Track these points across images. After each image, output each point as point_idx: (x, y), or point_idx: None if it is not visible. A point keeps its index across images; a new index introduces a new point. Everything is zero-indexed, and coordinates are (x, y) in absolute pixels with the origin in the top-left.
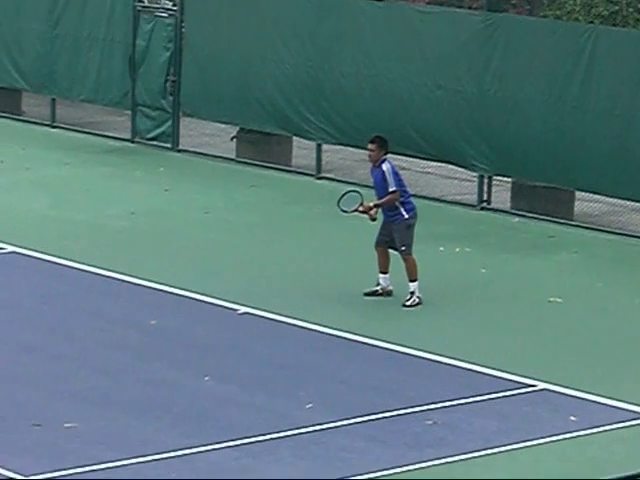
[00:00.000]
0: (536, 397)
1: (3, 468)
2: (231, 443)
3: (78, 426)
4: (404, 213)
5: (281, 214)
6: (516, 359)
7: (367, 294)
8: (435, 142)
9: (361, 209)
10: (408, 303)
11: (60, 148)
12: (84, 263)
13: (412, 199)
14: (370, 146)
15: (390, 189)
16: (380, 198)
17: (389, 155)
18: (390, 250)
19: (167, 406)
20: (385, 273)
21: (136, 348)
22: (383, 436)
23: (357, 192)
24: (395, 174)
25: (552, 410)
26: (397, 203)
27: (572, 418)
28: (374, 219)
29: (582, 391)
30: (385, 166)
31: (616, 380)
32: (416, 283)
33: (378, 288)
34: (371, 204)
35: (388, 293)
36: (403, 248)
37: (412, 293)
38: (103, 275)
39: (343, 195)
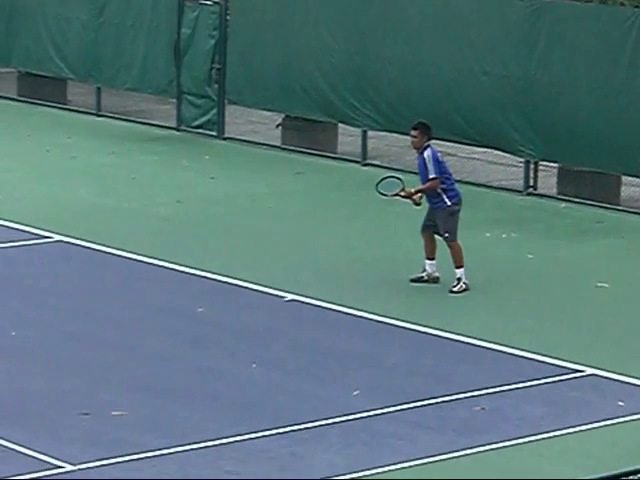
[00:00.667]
0: (584, 382)
1: (52, 457)
2: (279, 430)
3: (126, 414)
4: (446, 200)
5: (327, 201)
6: (564, 345)
7: (413, 280)
8: (481, 128)
9: (403, 194)
10: (455, 289)
11: (106, 137)
12: (130, 251)
13: (457, 186)
14: (413, 132)
15: (430, 176)
16: (423, 184)
17: (433, 141)
18: (436, 236)
19: (215, 394)
20: (431, 259)
21: (183, 336)
22: (431, 422)
23: (398, 178)
24: (437, 161)
25: (600, 395)
26: (439, 190)
27: (620, 403)
28: (418, 204)
29: (630, 376)
30: (427, 153)
31: None
32: (462, 269)
33: (424, 274)
34: (412, 190)
35: (434, 280)
36: (446, 235)
37: (459, 279)
38: (149, 263)
39: (382, 180)
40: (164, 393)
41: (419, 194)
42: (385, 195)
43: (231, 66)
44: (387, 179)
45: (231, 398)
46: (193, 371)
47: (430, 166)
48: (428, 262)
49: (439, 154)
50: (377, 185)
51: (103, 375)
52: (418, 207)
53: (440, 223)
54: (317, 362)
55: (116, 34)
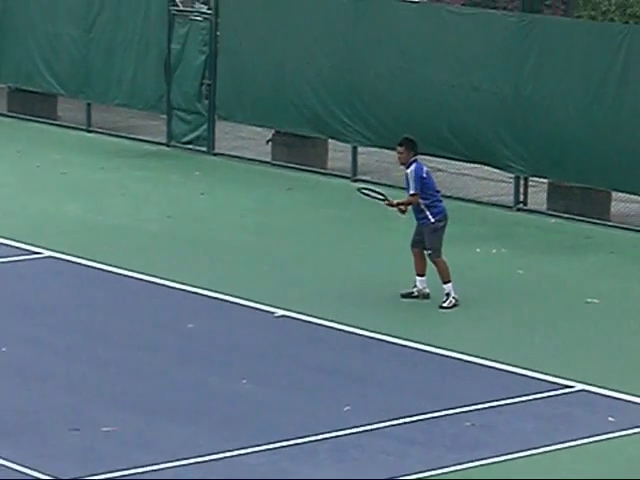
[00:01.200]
0: (574, 398)
1: (41, 472)
2: (269, 446)
3: (116, 430)
4: (430, 217)
5: (317, 217)
6: (554, 360)
7: (404, 295)
8: (471, 143)
9: (386, 202)
10: (445, 305)
11: (96, 152)
12: (120, 267)
13: (443, 203)
14: (399, 148)
15: (410, 192)
16: (435, 195)
17: (423, 157)
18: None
19: (205, 410)
20: (422, 275)
21: (173, 352)
22: (421, 438)
23: (382, 194)
24: (419, 177)
25: (590, 411)
26: (422, 206)
27: (610, 419)
28: (403, 211)
29: (620, 392)
30: (410, 168)
31: None
32: (450, 284)
33: (414, 290)
34: (394, 202)
35: (425, 296)
36: (429, 252)
37: (448, 295)
38: (139, 279)
39: (371, 192)
40: (154, 409)
41: (401, 206)
42: (366, 194)
43: (221, 82)
44: (374, 193)
45: (222, 414)
46: (183, 387)
47: (411, 182)
48: (419, 278)
49: (426, 169)
50: (361, 189)
51: (93, 391)
52: (403, 215)
53: (425, 239)
54: (307, 378)
55: (106, 50)
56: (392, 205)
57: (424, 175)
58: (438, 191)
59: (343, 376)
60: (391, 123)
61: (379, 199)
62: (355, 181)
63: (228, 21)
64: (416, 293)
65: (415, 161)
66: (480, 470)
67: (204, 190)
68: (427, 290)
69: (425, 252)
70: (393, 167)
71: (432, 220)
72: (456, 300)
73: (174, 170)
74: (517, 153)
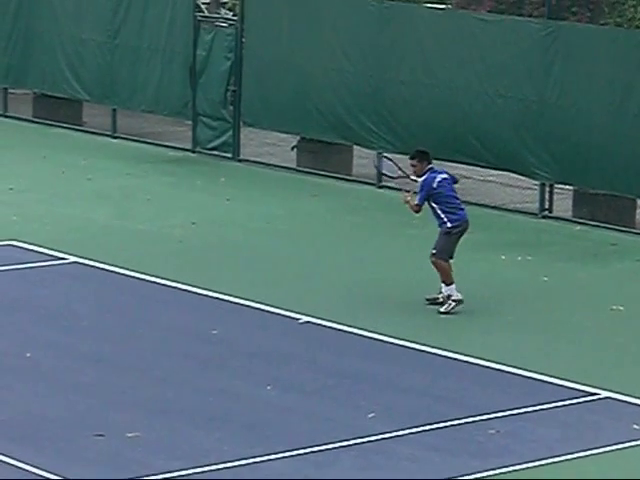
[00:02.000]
0: (599, 406)
1: (66, 478)
2: (293, 452)
3: (140, 436)
4: (447, 222)
5: (342, 223)
6: (578, 367)
7: (428, 300)
8: (496, 150)
9: (404, 192)
10: (443, 309)
11: (121, 158)
12: (146, 273)
13: (464, 211)
14: (411, 162)
15: (415, 202)
16: (451, 202)
17: (449, 164)
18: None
19: (230, 415)
20: (450, 284)
21: (198, 357)
22: (446, 445)
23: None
24: (429, 188)
25: (615, 418)
26: (439, 212)
27: (635, 426)
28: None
29: None
30: (422, 179)
31: None
32: (452, 286)
33: (440, 296)
34: (408, 197)
35: (457, 302)
36: (434, 251)
37: (448, 297)
38: (165, 285)
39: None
40: (179, 415)
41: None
42: (384, 173)
43: (246, 88)
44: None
45: (246, 420)
46: (208, 393)
47: (418, 193)
48: (446, 288)
49: (441, 178)
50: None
51: (118, 396)
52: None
53: (436, 239)
54: (332, 384)
55: (132, 56)
56: (406, 199)
57: (434, 185)
58: (457, 198)
59: (367, 382)
60: (416, 129)
61: (393, 177)
62: (380, 187)
63: (253, 27)
64: (440, 299)
65: (430, 170)
66: (505, 478)
67: (229, 196)
68: (460, 295)
69: (431, 251)
70: None
71: (449, 225)
72: (457, 302)
73: (199, 176)
74: (542, 160)
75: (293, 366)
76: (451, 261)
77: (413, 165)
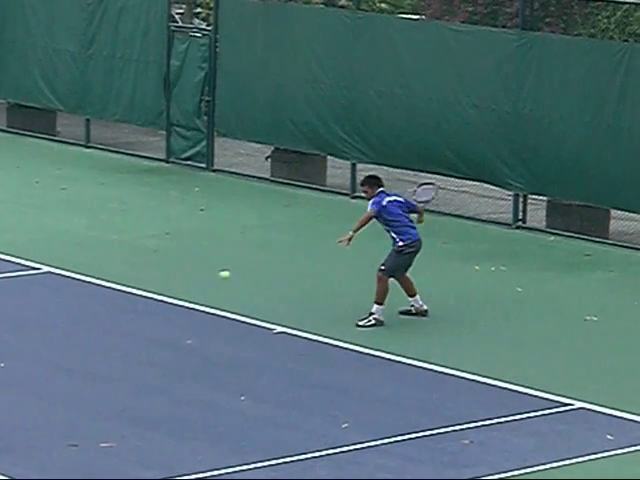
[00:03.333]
0: (572, 416)
1: None
2: (267, 463)
3: (114, 446)
4: (399, 241)
5: (316, 233)
6: (552, 378)
7: (402, 312)
8: (470, 161)
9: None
10: (361, 323)
11: (95, 168)
12: (119, 283)
13: (416, 230)
14: (362, 188)
15: (369, 207)
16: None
17: (423, 174)
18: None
19: (204, 426)
20: (413, 295)
21: (172, 368)
22: (419, 455)
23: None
24: (378, 204)
25: (589, 429)
26: (391, 233)
27: (609, 437)
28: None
29: (619, 410)
30: (374, 199)
31: None
32: (379, 307)
33: (412, 308)
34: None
35: (422, 313)
36: (382, 267)
37: (371, 314)
38: (139, 295)
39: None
40: (153, 425)
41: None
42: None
43: (220, 98)
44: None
45: (220, 430)
46: (182, 403)
47: (370, 206)
48: (412, 299)
49: (390, 199)
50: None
51: (92, 406)
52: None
53: (387, 257)
54: (306, 394)
55: (105, 66)
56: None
57: (384, 204)
58: (408, 218)
59: (342, 393)
60: (390, 140)
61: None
62: (354, 198)
63: (227, 38)
64: (414, 311)
65: (381, 192)
66: None
67: (203, 206)
68: (425, 307)
69: (379, 267)
70: (392, 184)
71: (401, 244)
72: (377, 321)
73: (173, 186)
74: (516, 171)
75: (267, 376)
76: (407, 275)
77: (364, 191)
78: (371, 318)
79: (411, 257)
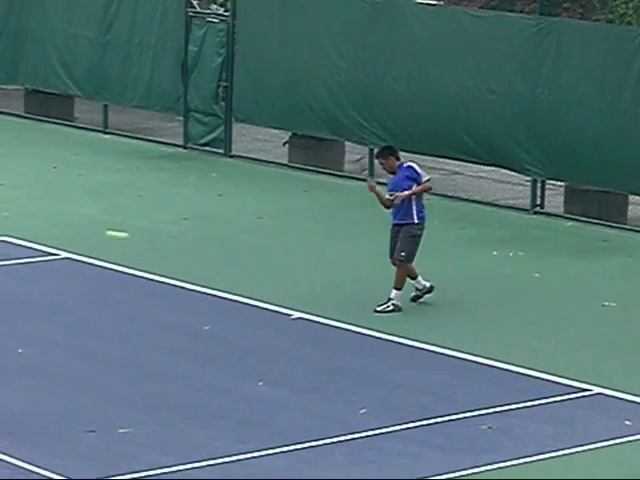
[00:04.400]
0: (591, 401)
1: (58, 474)
2: (285, 448)
3: (132, 431)
4: (415, 217)
5: (334, 219)
6: (571, 364)
7: (413, 299)
8: (488, 146)
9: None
10: (379, 308)
11: (112, 154)
12: (137, 269)
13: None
14: (379, 161)
15: (423, 179)
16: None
17: (441, 159)
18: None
19: (221, 411)
20: (415, 277)
21: (190, 353)
22: (437, 441)
23: None
24: (417, 173)
25: (607, 414)
26: (413, 207)
27: (627, 422)
28: (389, 207)
29: (637, 395)
30: (409, 163)
31: None
32: (398, 292)
33: (418, 293)
34: (405, 192)
35: (429, 290)
36: (402, 254)
37: (389, 299)
38: (156, 281)
39: None
40: (170, 410)
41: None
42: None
43: (238, 84)
44: None
45: (237, 416)
46: (199, 389)
47: (421, 170)
48: (414, 281)
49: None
50: None
51: (109, 392)
52: (388, 210)
53: (400, 242)
54: (323, 380)
55: (123, 51)
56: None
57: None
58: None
59: (359, 378)
60: (408, 126)
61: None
62: None
63: (245, 23)
64: (420, 294)
65: (402, 163)
66: (495, 473)
67: (221, 192)
68: (428, 284)
69: (397, 256)
70: None
71: (416, 221)
72: (395, 307)
73: (191, 172)
74: (534, 156)
75: (285, 362)
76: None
77: (381, 163)
78: (390, 304)
79: (420, 239)
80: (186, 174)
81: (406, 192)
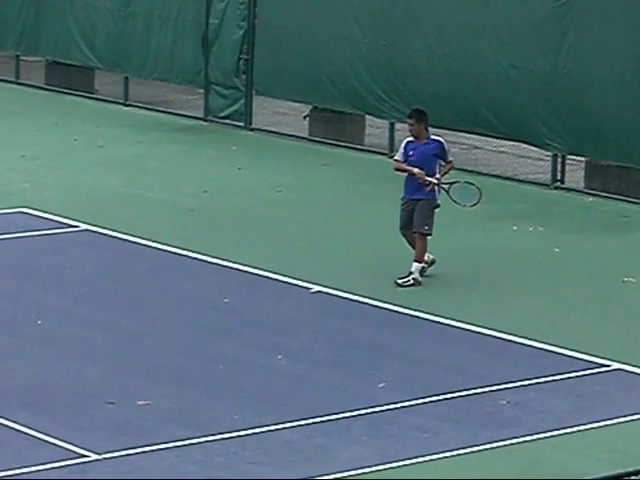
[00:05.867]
0: (610, 377)
1: (77, 446)
2: (304, 422)
3: (151, 404)
4: (437, 193)
5: (353, 193)
6: (590, 339)
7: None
8: (509, 121)
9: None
10: (400, 282)
11: (133, 126)
12: (157, 241)
13: None
14: (409, 121)
15: (450, 158)
16: (427, 173)
17: (461, 134)
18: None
19: (240, 384)
20: None
21: (209, 326)
22: (456, 415)
23: (477, 187)
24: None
25: (626, 390)
26: (435, 180)
27: None
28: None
29: None
30: (440, 138)
31: None
32: (419, 265)
33: (425, 265)
34: (438, 176)
35: (432, 263)
36: (426, 227)
37: (410, 273)
38: (176, 253)
39: (458, 184)
40: (189, 383)
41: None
42: (459, 204)
43: (259, 57)
44: (466, 186)
45: (256, 389)
46: (219, 362)
47: (447, 151)
48: (416, 265)
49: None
50: (449, 190)
51: (129, 365)
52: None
53: (420, 215)
54: (343, 354)
55: (144, 24)
56: (432, 181)
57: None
58: None
59: (378, 352)
60: (428, 99)
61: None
62: (392, 157)
63: None
64: (426, 267)
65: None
66: (514, 448)
67: (241, 165)
68: (431, 256)
69: (419, 229)
70: None
71: (437, 197)
72: (416, 281)
73: (211, 145)
74: (555, 131)
75: (304, 336)
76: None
77: (411, 125)
78: (410, 278)
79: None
80: (206, 147)
81: (437, 176)
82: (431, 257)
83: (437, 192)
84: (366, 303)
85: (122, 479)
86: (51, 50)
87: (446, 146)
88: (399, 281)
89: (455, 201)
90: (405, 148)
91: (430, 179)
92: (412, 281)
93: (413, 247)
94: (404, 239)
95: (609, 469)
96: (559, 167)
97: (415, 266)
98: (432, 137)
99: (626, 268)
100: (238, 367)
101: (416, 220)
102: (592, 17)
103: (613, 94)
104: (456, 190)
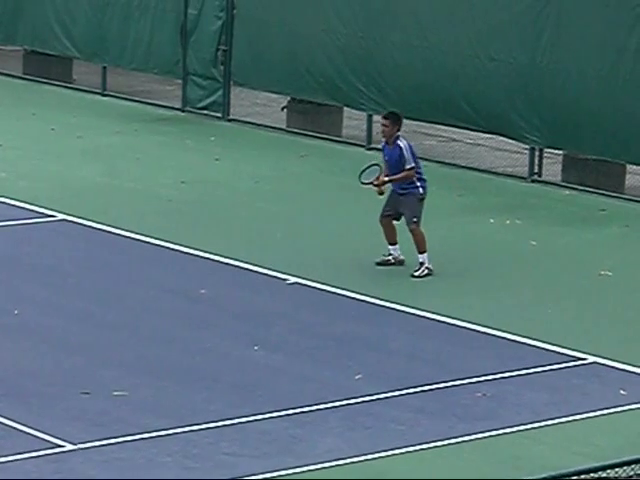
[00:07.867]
0: (586, 370)
1: (52, 436)
2: (280, 413)
3: (127, 394)
4: (419, 187)
5: (331, 184)
6: (566, 332)
7: (379, 264)
8: (486, 114)
9: (375, 182)
10: (417, 274)
11: (111, 116)
12: (134, 232)
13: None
14: (383, 122)
15: (407, 166)
16: (394, 174)
17: (438, 126)
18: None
19: (216, 375)
20: (394, 244)
21: (186, 317)
22: (432, 408)
23: (378, 165)
24: (412, 151)
25: (602, 383)
26: (415, 177)
27: (622, 392)
28: (382, 193)
29: (632, 365)
30: (402, 143)
31: None
32: (425, 254)
33: (390, 258)
34: (385, 179)
35: (400, 262)
36: (415, 220)
37: (422, 264)
38: (153, 244)
39: (366, 168)
40: (166, 374)
41: (387, 183)
42: (363, 184)
43: (237, 48)
44: (371, 167)
45: (233, 380)
46: (195, 352)
47: (408, 155)
48: (392, 247)
49: (410, 144)
50: (360, 174)
51: (104, 355)
52: (381, 197)
53: (408, 209)
54: (319, 345)
55: (122, 14)
56: (382, 184)
57: (414, 151)
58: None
59: (355, 344)
60: (406, 92)
61: (372, 183)
62: (370, 149)
63: None
64: (392, 260)
65: (399, 137)
66: (490, 441)
67: (218, 156)
68: (402, 257)
69: (407, 223)
70: (408, 136)
71: (421, 191)
72: (429, 270)
73: (189, 135)
74: (532, 124)
75: (281, 327)
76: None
77: (385, 125)
78: (424, 268)
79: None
80: (184, 137)
81: (386, 179)
82: (401, 257)
83: (421, 188)
84: (343, 295)
85: (97, 469)
86: (29, 39)
87: (406, 153)
88: (415, 273)
89: (362, 182)
90: (384, 151)
91: (382, 181)
92: (426, 271)
93: (388, 238)
94: (382, 229)
95: (585, 462)
96: (536, 160)
97: (422, 257)
98: (397, 142)
99: (602, 261)
100: (214, 358)
101: (406, 216)
102: (570, 11)
103: (591, 87)
104: (365, 174)
